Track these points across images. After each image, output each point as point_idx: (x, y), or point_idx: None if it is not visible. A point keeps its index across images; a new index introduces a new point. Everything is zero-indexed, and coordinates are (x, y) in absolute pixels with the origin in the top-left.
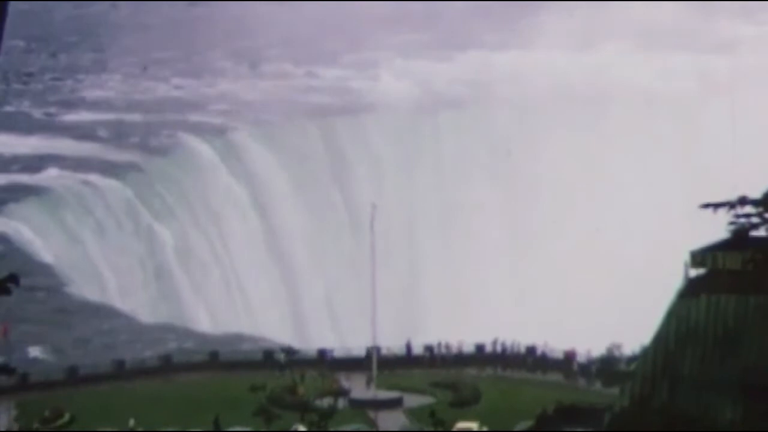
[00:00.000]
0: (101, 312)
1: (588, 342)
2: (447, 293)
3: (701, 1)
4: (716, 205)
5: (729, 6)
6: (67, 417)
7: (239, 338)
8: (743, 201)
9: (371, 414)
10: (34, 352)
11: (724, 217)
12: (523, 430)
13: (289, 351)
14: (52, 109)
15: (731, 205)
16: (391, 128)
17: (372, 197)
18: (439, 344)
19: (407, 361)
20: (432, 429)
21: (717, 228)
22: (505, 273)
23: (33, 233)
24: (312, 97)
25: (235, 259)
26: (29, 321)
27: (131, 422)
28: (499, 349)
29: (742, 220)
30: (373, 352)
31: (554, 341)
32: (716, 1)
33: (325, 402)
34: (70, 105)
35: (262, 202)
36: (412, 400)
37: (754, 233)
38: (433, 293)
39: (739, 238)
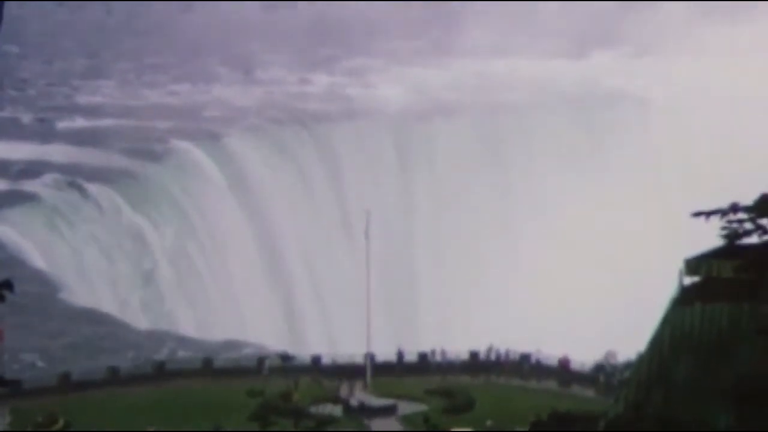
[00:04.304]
0: (94, 318)
1: (583, 349)
2: (441, 300)
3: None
4: (708, 213)
5: (722, 10)
6: (61, 423)
7: (233, 345)
8: (735, 208)
9: (365, 421)
10: (28, 358)
11: (717, 224)
12: None
13: (285, 357)
14: (46, 115)
15: (723, 212)
16: (385, 134)
17: (366, 203)
18: (433, 351)
19: (401, 367)
20: None
21: (712, 235)
22: (499, 280)
23: (25, 239)
24: (306, 103)
25: (229, 265)
26: (22, 327)
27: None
28: (493, 356)
29: (735, 226)
30: (367, 358)
31: (549, 348)
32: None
33: (320, 408)
34: (64, 111)
35: (255, 208)
36: (406, 407)
37: (746, 240)
38: (427, 300)
39: (733, 246)
